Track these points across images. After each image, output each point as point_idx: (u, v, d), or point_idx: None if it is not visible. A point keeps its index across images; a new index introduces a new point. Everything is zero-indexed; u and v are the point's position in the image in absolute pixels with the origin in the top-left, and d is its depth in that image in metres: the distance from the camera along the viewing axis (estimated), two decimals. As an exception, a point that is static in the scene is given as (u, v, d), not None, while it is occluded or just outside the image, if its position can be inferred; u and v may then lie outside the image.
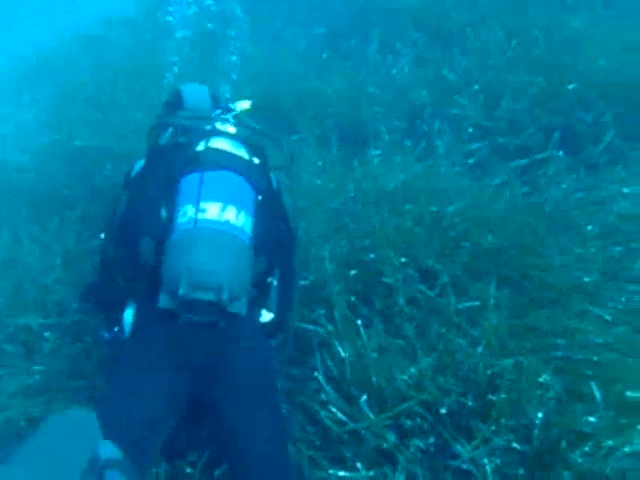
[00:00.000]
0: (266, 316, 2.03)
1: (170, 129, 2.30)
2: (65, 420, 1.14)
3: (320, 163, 3.35)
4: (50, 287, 2.69)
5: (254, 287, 1.89)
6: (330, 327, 2.25)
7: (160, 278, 1.78)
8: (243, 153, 2.11)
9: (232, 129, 2.25)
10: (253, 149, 2.17)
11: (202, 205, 1.84)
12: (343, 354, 2.12)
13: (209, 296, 1.70)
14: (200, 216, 1.82)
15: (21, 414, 2.17)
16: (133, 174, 2.20)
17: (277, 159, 2.42)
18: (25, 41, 6.20)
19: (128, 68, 4.41)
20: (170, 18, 4.12)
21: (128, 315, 1.90)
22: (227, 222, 1.84)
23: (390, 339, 2.22)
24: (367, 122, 3.49)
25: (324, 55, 4.22)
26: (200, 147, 2.06)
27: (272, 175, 2.23)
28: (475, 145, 3.11)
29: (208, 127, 2.17)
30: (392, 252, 2.43)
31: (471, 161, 3.06)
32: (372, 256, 2.49)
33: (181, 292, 1.68)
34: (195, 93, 2.53)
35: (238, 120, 2.36)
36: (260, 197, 2.04)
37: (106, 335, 1.98)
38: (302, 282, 2.44)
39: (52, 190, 3.29)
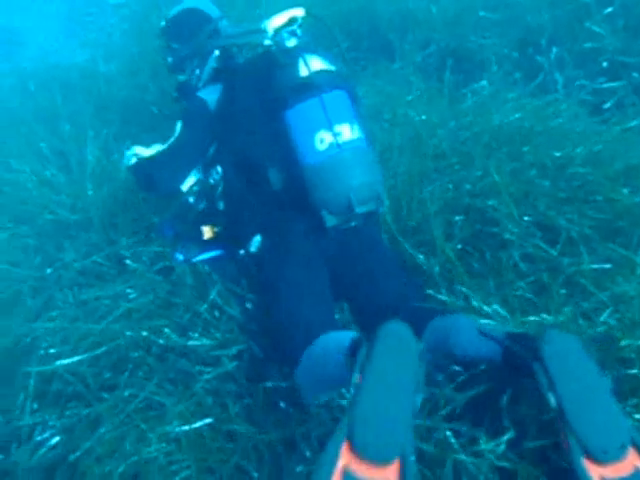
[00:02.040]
0: None
1: (216, 51, 2.34)
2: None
3: (419, 93, 3.06)
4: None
5: None
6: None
7: (312, 202, 1.96)
8: (333, 66, 2.12)
9: (293, 42, 2.15)
10: (335, 60, 2.17)
11: (336, 129, 1.95)
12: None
13: (372, 207, 1.97)
14: (340, 140, 1.94)
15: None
16: (211, 103, 2.22)
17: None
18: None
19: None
20: None
21: (257, 238, 2.08)
22: (359, 138, 2.00)
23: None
24: (475, 50, 3.12)
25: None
26: (303, 70, 2.03)
27: None
28: (607, 84, 2.71)
29: (281, 43, 2.12)
30: (508, 200, 2.18)
31: (602, 102, 2.68)
32: (484, 202, 2.25)
33: (357, 210, 1.91)
34: (209, 6, 2.47)
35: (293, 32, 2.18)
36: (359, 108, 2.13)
37: (181, 257, 2.23)
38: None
39: (141, 106, 3.16)
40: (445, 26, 3.18)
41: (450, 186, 2.41)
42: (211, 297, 2.23)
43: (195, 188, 2.34)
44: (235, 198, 2.19)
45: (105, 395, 1.92)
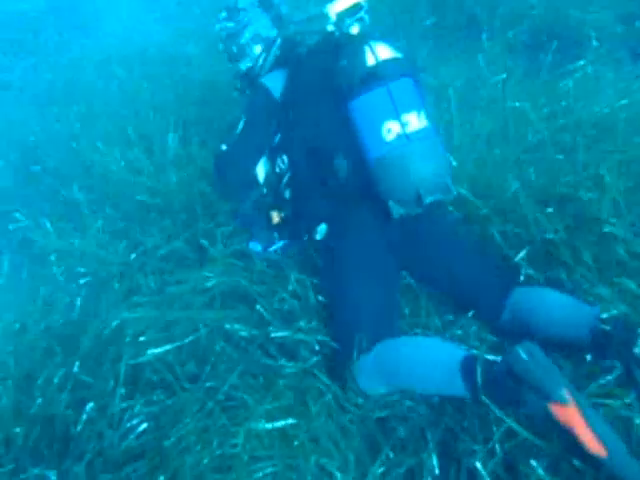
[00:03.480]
0: None
1: (279, 40, 2.31)
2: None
3: (505, 75, 2.86)
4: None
5: None
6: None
7: (378, 192, 1.96)
8: (400, 53, 2.07)
9: (356, 29, 2.13)
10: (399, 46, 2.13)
11: (403, 119, 1.91)
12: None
13: (439, 196, 1.93)
14: (407, 130, 1.91)
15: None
16: (275, 90, 2.21)
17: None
18: None
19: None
20: None
21: (322, 226, 2.12)
22: (426, 127, 1.95)
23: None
24: (574, 26, 2.86)
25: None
26: (370, 59, 1.98)
27: None
28: None
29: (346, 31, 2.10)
30: (615, 195, 2.00)
31: None
32: (584, 195, 2.08)
33: (426, 201, 1.88)
34: None
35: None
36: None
37: (258, 248, 2.30)
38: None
39: (220, 89, 3.15)
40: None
41: (543, 179, 2.26)
42: (290, 287, 2.23)
43: (270, 179, 2.37)
44: (301, 187, 2.19)
45: (187, 385, 1.96)
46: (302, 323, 2.08)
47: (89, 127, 3.21)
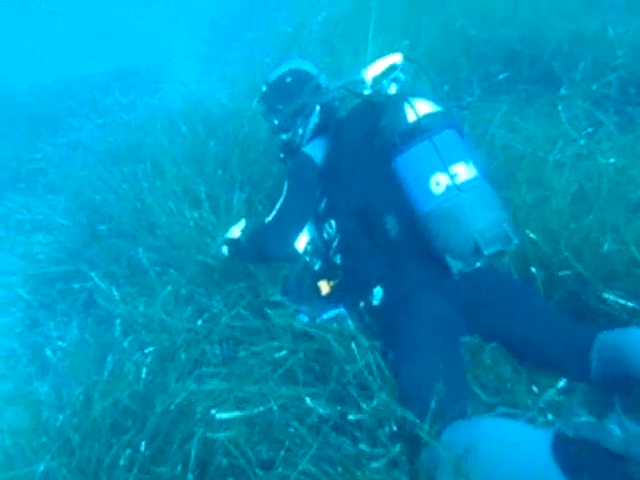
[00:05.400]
0: None
1: (317, 107, 2.35)
2: None
3: (591, 130, 2.69)
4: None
5: None
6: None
7: (433, 248, 1.88)
8: (439, 107, 2.06)
9: (394, 89, 2.17)
10: (440, 100, 2.12)
11: (452, 170, 1.87)
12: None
13: (500, 246, 1.84)
14: (457, 181, 1.86)
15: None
16: (317, 158, 2.22)
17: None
18: None
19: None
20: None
21: (378, 289, 2.01)
22: (476, 177, 1.90)
23: None
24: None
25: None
26: (410, 115, 1.98)
27: None
28: None
29: (394, 92, 2.13)
30: None
31: None
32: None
33: (485, 252, 1.79)
34: (307, 64, 2.51)
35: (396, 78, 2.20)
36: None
37: (305, 319, 2.18)
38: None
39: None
40: (628, 50, 2.76)
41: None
42: (360, 364, 2.06)
43: (309, 248, 2.33)
44: (353, 249, 2.13)
45: (260, 472, 1.80)
46: (376, 401, 1.89)
47: (155, 186, 3.20)
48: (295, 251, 2.34)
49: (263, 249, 2.25)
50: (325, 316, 2.20)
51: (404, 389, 1.86)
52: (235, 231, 2.44)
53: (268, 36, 5.38)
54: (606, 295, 2.02)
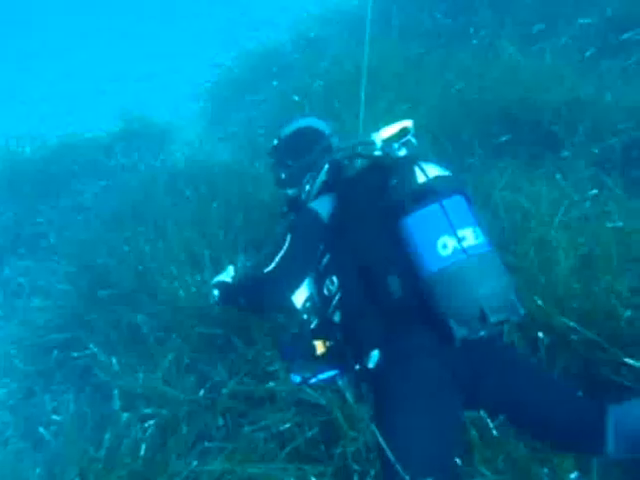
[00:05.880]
0: None
1: (326, 165, 2.34)
2: None
3: (596, 191, 2.68)
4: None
5: None
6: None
7: (437, 311, 1.82)
8: (448, 172, 2.06)
9: (403, 152, 2.15)
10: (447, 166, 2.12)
11: (459, 234, 1.85)
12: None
13: (506, 315, 1.79)
14: (465, 244, 1.83)
15: None
16: (323, 214, 2.18)
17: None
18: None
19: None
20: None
21: (375, 352, 1.92)
22: (483, 242, 1.88)
23: None
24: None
25: (588, 53, 3.47)
26: (420, 177, 1.98)
27: None
28: None
29: (397, 154, 2.13)
30: None
31: None
32: None
33: (492, 319, 1.74)
34: (321, 124, 2.52)
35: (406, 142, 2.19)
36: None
37: (298, 379, 2.09)
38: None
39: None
40: (627, 116, 2.80)
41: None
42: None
43: (308, 304, 2.26)
44: (353, 308, 2.06)
45: None
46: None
47: (157, 250, 3.17)
48: (291, 306, 2.27)
49: (258, 299, 2.21)
50: (319, 377, 2.12)
51: (390, 462, 1.70)
52: (225, 277, 2.38)
53: (270, 98, 5.50)
54: (627, 360, 1.97)
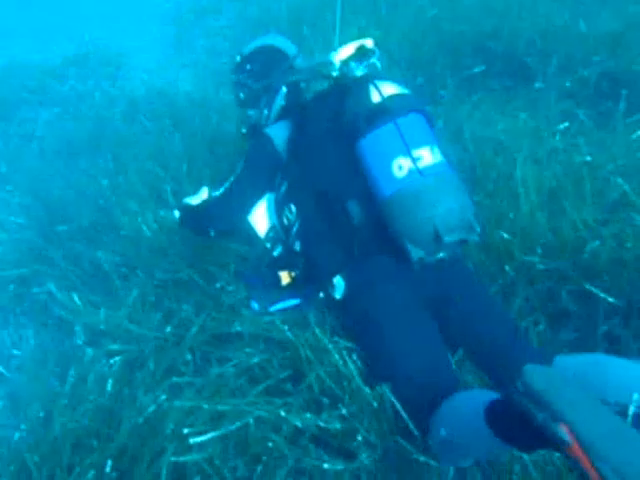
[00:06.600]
0: None
1: (283, 88, 2.27)
2: None
3: (567, 124, 2.66)
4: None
5: None
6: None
7: (393, 234, 1.81)
8: (406, 90, 2.00)
9: (361, 71, 2.08)
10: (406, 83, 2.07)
11: (415, 154, 1.80)
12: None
13: (462, 235, 1.77)
14: (420, 165, 1.79)
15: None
16: (278, 141, 2.15)
17: None
18: None
19: None
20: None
21: (338, 280, 1.92)
22: (441, 162, 1.84)
23: None
24: (640, 73, 2.67)
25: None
26: (375, 96, 1.92)
27: None
28: None
29: (359, 73, 2.04)
30: None
31: None
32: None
33: (445, 239, 1.72)
34: (286, 43, 2.40)
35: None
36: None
37: (257, 307, 2.13)
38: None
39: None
40: (601, 47, 2.74)
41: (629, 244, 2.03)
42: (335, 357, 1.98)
43: (270, 234, 2.27)
44: (312, 236, 2.06)
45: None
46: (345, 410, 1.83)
47: (117, 183, 3.03)
48: (253, 235, 2.28)
49: (204, 222, 2.22)
50: (279, 306, 2.14)
51: (383, 370, 1.78)
52: (195, 200, 2.34)
53: (237, 24, 5.19)
54: (589, 287, 2.00)
